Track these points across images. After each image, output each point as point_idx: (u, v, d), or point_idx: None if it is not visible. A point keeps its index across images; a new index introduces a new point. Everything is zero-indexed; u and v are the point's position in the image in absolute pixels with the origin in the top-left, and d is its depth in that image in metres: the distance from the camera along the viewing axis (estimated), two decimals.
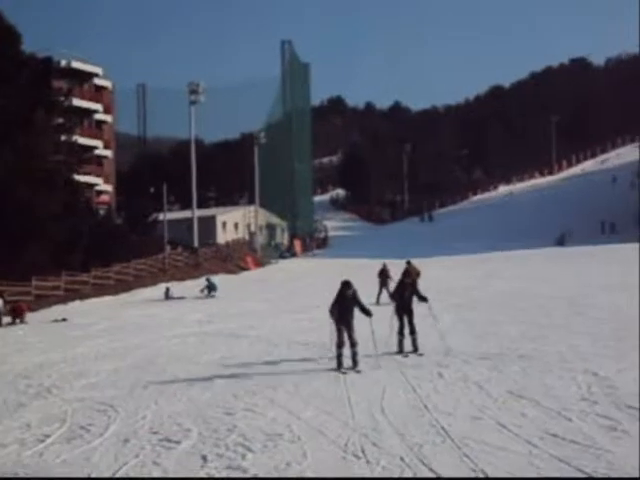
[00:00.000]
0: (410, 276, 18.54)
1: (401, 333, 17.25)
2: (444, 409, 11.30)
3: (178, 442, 10.11)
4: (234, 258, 64.03)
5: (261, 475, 8.46)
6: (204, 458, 9.28)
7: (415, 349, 16.96)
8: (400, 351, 17.03)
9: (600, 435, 9.41)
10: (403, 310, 17.36)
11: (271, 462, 8.96)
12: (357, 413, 11.34)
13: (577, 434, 9.48)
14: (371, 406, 11.76)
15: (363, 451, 9.23)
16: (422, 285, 30.79)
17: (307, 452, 9.30)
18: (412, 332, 17.12)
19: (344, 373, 14.67)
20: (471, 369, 14.51)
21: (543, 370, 14.02)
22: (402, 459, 8.79)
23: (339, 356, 15.29)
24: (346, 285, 15.72)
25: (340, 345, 15.30)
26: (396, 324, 17.32)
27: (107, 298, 42.44)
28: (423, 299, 17.42)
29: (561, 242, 70.85)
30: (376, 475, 8.22)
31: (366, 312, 15.61)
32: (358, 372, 14.78)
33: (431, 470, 8.28)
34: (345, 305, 15.48)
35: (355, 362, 15.19)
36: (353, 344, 15.27)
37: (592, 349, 16.19)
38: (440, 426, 10.31)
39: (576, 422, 10.08)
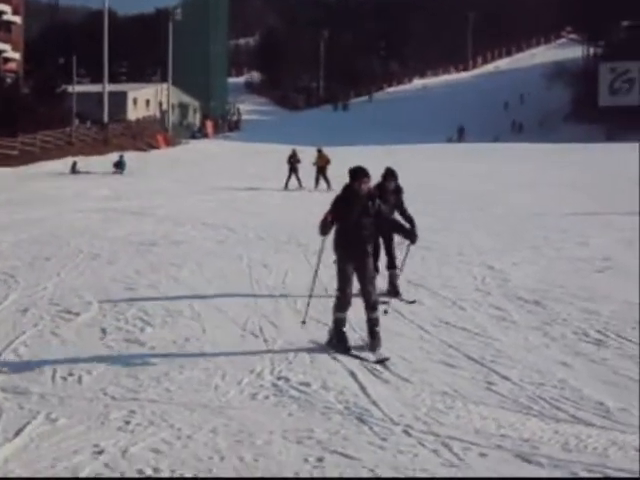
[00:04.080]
0: (389, 180, 11.89)
1: (375, 267, 10.43)
2: None
3: (78, 314, 10.13)
4: (144, 136, 63.03)
5: (158, 349, 8.59)
6: (103, 331, 9.35)
7: (394, 291, 11.46)
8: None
9: (490, 324, 9.76)
10: (380, 231, 10.15)
11: (169, 336, 9.09)
12: (258, 294, 11.52)
13: (469, 322, 9.82)
14: (273, 288, 11.95)
15: (261, 330, 9.41)
16: (331, 174, 31.29)
17: (206, 329, 9.45)
18: (391, 265, 11.70)
19: (374, 361, 8.20)
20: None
21: (442, 262, 14.38)
22: (298, 339, 9.01)
23: (339, 322, 8.70)
24: (358, 178, 8.68)
25: (344, 305, 8.66)
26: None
27: (11, 169, 41.53)
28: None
29: (459, 137, 71.64)
30: (273, 353, 8.42)
31: (409, 233, 9.18)
32: (383, 360, 8.17)
33: (327, 352, 8.51)
34: (359, 225, 8.59)
35: (374, 335, 8.54)
36: (371, 305, 8.58)
37: (490, 243, 16.62)
38: None
39: (469, 311, 10.42)
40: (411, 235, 9.08)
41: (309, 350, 8.58)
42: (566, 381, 7.49)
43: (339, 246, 8.74)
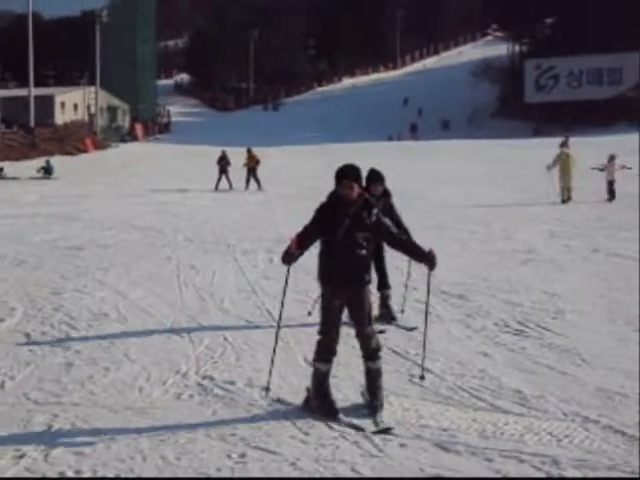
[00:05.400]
0: (375, 183, 10.02)
1: None
2: (271, 292, 11.58)
3: (2, 320, 10.03)
4: (72, 140, 62.21)
5: (83, 352, 8.56)
6: (27, 336, 9.27)
7: (389, 315, 9.98)
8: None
9: (415, 319, 9.88)
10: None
11: (95, 340, 9.07)
12: (186, 295, 11.53)
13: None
14: (200, 289, 11.96)
15: (188, 331, 9.45)
16: (262, 175, 31.37)
17: (132, 331, 9.44)
18: (383, 285, 10.19)
19: (374, 431, 6.22)
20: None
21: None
22: (225, 338, 9.06)
23: (320, 376, 6.68)
24: (346, 179, 6.56)
25: (327, 352, 6.69)
26: None
27: None
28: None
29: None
30: (198, 353, 8.45)
31: (424, 255, 6.83)
32: (386, 430, 6.20)
33: (250, 346, 8.58)
34: (351, 243, 6.54)
35: (375, 392, 6.67)
36: (370, 353, 6.72)
37: (418, 239, 16.76)
38: (265, 309, 10.63)
39: (394, 307, 10.52)
40: (428, 258, 6.79)
41: (236, 348, 8.63)
42: (486, 371, 7.67)
43: (324, 273, 6.66)
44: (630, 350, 8.35)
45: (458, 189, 28.06)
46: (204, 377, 7.64)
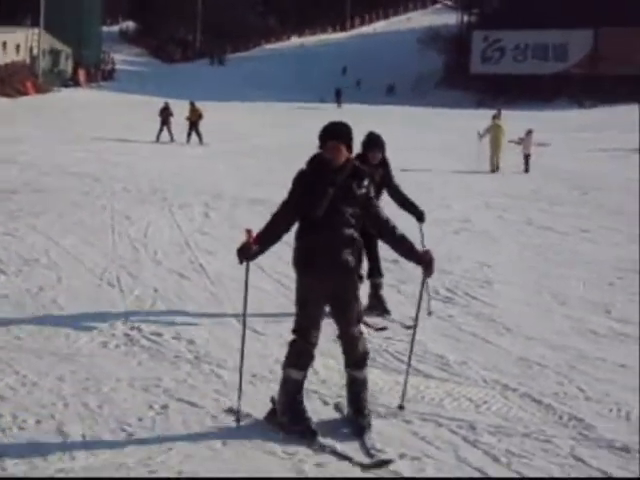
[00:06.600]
0: (373, 150, 8.57)
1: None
2: (205, 248, 11.60)
3: None
4: (13, 81, 60.99)
5: (11, 297, 8.48)
6: None
7: (381, 307, 8.70)
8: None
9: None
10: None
11: (24, 285, 9.01)
12: (119, 245, 11.47)
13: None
14: (134, 239, 11.90)
15: (118, 280, 9.42)
16: (205, 129, 31.08)
17: (62, 278, 9.39)
18: (374, 272, 8.76)
19: (368, 465, 5.00)
20: (238, 212, 14.85)
21: None
22: (155, 290, 9.06)
23: (291, 386, 5.53)
24: (332, 140, 5.29)
25: (303, 356, 5.57)
26: None
27: None
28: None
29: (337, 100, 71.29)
30: (127, 303, 8.44)
31: (416, 254, 5.59)
32: (385, 463, 4.99)
33: (181, 299, 8.60)
34: (336, 219, 5.27)
35: (360, 408, 5.53)
36: (355, 359, 5.54)
37: None
38: (199, 263, 10.62)
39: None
40: (424, 261, 5.56)
41: (165, 300, 8.64)
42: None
43: (301, 258, 5.40)
44: (553, 322, 8.54)
45: (399, 156, 28.01)
46: (132, 328, 7.64)
